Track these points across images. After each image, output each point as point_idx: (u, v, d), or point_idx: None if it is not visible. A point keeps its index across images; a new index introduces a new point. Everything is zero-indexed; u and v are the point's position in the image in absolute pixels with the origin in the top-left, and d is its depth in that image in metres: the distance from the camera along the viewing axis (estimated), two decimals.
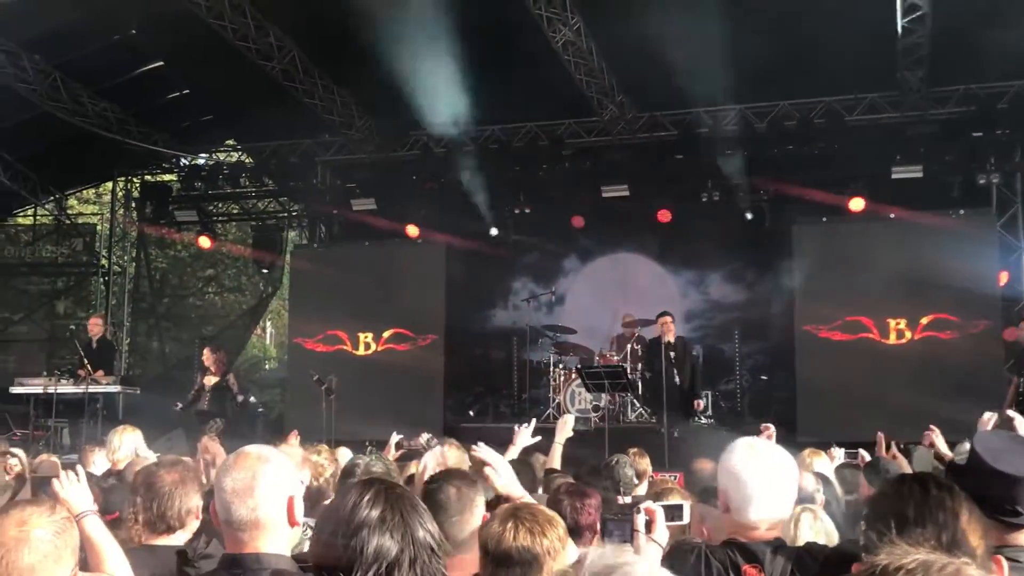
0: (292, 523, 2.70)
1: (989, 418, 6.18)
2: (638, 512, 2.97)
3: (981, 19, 11.34)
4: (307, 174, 17.02)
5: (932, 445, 6.42)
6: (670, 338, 12.63)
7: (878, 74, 13.41)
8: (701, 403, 13.29)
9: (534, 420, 6.47)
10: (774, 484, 3.09)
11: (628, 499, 4.69)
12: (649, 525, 2.95)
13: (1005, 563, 2.17)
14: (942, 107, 13.93)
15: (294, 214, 18.56)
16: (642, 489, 6.06)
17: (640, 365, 14.43)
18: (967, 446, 5.85)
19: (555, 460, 6.53)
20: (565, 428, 6.53)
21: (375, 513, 2.25)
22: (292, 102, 14.68)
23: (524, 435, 6.10)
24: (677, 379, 12.50)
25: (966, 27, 11.62)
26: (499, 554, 2.88)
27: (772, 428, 7.02)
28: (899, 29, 11.84)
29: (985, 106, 13.59)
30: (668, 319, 12.84)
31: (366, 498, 2.28)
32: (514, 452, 6.05)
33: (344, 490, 2.37)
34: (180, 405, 13.25)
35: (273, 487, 2.68)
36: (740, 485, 3.09)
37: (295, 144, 16.81)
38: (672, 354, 12.48)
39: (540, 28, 12.35)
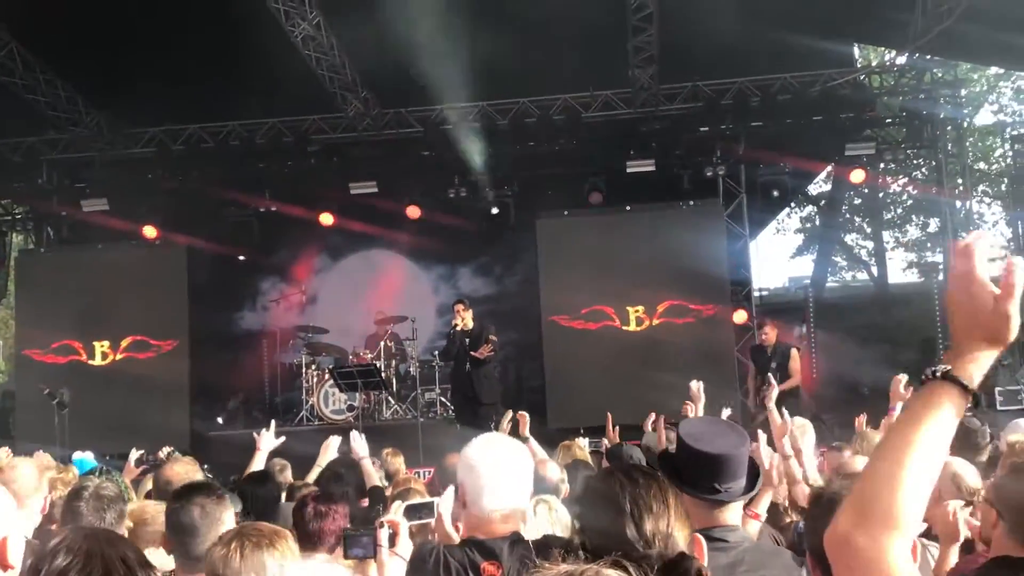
0: (4, 567, 2.47)
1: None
2: (381, 527, 2.92)
3: (706, 18, 11.97)
4: (32, 174, 15.87)
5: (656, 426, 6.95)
6: (466, 325, 11.99)
7: (612, 72, 13.93)
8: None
9: (273, 422, 6.28)
10: (506, 473, 3.13)
11: (366, 501, 4.64)
12: (393, 539, 2.89)
13: (704, 543, 2.29)
14: (671, 103, 14.65)
15: (18, 217, 17.34)
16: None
17: (394, 362, 14.37)
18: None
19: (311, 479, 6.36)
20: (328, 451, 6.21)
21: (60, 562, 2.15)
22: (12, 97, 13.75)
23: (267, 439, 5.91)
24: (468, 367, 12.00)
25: (691, 26, 12.24)
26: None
27: (526, 416, 7.10)
28: (629, 28, 12.37)
29: (711, 102, 14.42)
30: (460, 306, 12.19)
31: (50, 547, 2.19)
32: (260, 458, 5.87)
33: None
34: None
35: None
36: (474, 475, 3.12)
37: (17, 142, 15.64)
38: (467, 340, 11.96)
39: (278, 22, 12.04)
